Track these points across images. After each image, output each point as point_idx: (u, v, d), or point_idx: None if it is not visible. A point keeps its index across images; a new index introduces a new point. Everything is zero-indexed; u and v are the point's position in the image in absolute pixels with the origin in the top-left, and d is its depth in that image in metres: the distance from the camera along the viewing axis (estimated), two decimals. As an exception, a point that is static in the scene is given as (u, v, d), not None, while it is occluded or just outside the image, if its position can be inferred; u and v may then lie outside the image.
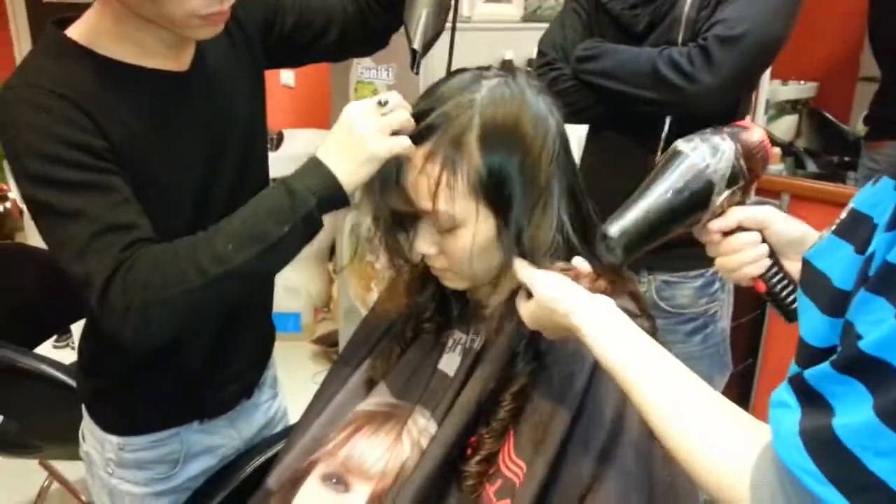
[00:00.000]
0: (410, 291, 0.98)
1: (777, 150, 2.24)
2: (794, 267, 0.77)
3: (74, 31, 0.90)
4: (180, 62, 0.95)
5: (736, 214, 0.76)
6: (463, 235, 0.82)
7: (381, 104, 0.83)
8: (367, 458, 0.91)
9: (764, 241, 0.78)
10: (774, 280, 0.76)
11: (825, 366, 0.48)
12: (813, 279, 0.55)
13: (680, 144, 0.75)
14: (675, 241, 0.79)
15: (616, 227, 0.72)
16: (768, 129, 2.45)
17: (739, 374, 2.18)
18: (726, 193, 0.74)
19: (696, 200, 0.73)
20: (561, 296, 0.73)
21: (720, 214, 0.76)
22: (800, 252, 0.70)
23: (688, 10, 1.29)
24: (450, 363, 0.92)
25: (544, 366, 0.85)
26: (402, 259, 0.92)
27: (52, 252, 0.85)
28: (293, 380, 1.58)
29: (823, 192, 2.02)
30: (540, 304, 0.75)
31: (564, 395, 0.81)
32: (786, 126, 2.70)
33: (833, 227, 0.56)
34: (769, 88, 2.41)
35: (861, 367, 0.46)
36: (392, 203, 0.85)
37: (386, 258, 0.93)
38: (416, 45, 0.93)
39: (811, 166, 2.50)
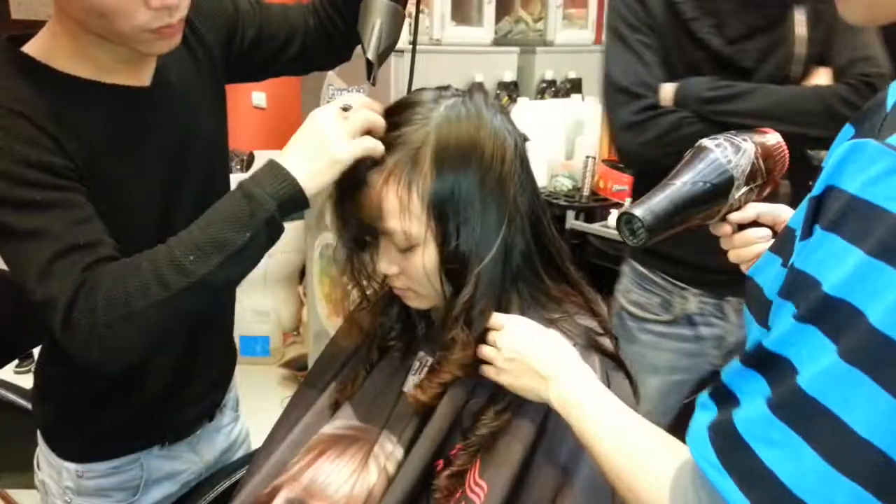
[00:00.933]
0: (375, 312, 0.97)
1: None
2: None
3: (31, 48, 0.88)
4: (140, 78, 0.94)
5: (753, 209, 0.80)
6: (420, 254, 0.82)
7: (344, 109, 0.82)
8: (332, 482, 0.90)
9: (775, 235, 0.82)
10: None
11: (735, 362, 0.52)
12: (752, 293, 0.58)
13: (705, 142, 0.79)
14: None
15: (642, 209, 0.75)
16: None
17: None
18: (744, 189, 0.78)
19: (717, 193, 0.77)
20: (535, 357, 0.78)
21: (738, 209, 0.80)
22: None
23: (798, 48, 1.30)
24: (414, 385, 0.91)
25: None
26: (367, 279, 0.91)
27: (14, 275, 0.83)
28: (261, 404, 1.56)
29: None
30: (507, 357, 0.79)
31: (526, 411, 0.81)
32: (751, 151, 2.76)
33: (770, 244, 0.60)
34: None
35: (761, 361, 0.49)
36: (352, 222, 0.85)
37: (350, 278, 0.92)
38: (370, 55, 0.94)
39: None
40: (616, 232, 1.95)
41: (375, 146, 0.81)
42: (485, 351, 0.82)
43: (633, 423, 0.67)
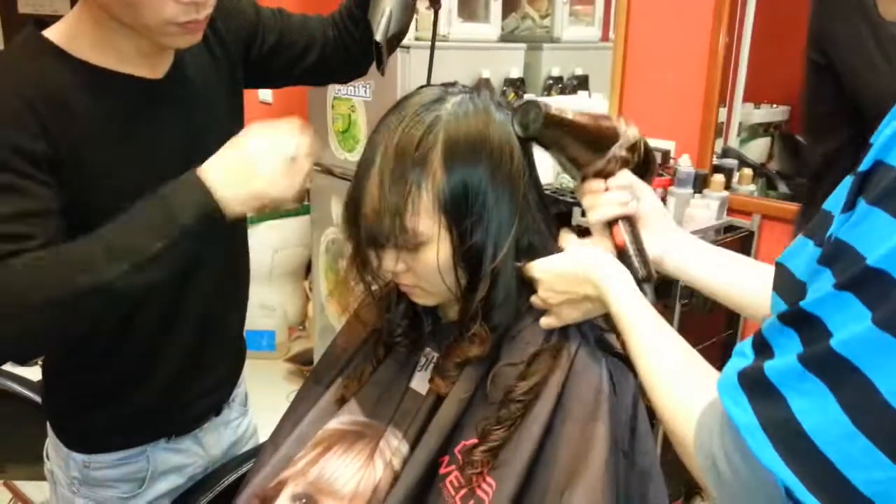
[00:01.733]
0: (382, 308, 0.97)
1: (749, 171, 2.27)
2: (650, 237, 0.86)
3: (53, 32, 0.89)
4: (155, 70, 0.95)
5: (627, 175, 0.86)
6: (429, 252, 0.82)
7: (292, 161, 0.87)
8: (339, 477, 0.90)
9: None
10: (631, 235, 0.84)
11: (773, 317, 0.53)
12: (783, 280, 0.60)
13: (602, 113, 0.89)
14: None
15: (552, 107, 0.82)
16: (741, 151, 2.49)
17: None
18: (622, 152, 0.85)
19: (602, 138, 0.85)
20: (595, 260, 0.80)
21: (608, 172, 0.85)
22: (659, 223, 0.87)
23: None
24: (421, 382, 0.92)
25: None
26: (373, 276, 0.91)
27: None
28: (266, 399, 1.57)
29: (794, 213, 2.05)
30: (572, 262, 0.82)
31: (533, 406, 0.81)
32: (758, 148, 2.75)
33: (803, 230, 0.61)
34: (741, 111, 2.45)
35: (797, 319, 0.51)
36: (359, 221, 0.85)
37: (358, 276, 0.92)
38: (379, 37, 0.94)
39: (783, 188, 2.54)
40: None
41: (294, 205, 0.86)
42: (536, 301, 0.85)
43: (674, 349, 0.69)
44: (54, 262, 0.79)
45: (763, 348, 0.54)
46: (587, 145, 0.84)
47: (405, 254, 0.83)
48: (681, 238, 0.88)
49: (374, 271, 0.89)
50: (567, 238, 0.86)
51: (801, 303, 0.50)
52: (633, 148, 0.85)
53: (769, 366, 0.51)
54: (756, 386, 0.51)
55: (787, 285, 0.58)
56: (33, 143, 0.82)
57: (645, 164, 0.88)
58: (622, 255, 0.83)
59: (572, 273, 0.81)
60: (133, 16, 0.84)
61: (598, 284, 0.78)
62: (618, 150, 0.84)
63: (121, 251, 0.80)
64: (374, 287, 0.93)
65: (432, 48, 1.04)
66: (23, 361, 0.83)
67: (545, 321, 0.85)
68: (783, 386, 0.49)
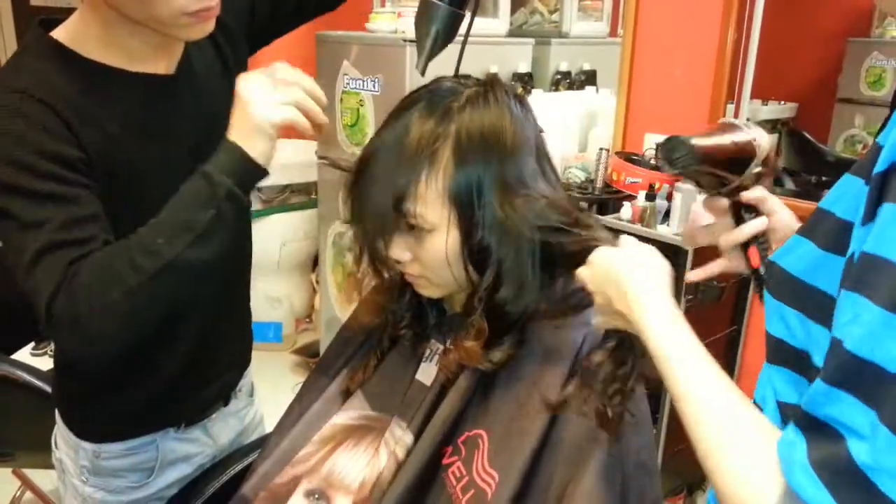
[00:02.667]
0: (387, 300, 0.98)
1: (757, 168, 2.27)
2: None
3: (60, 33, 0.89)
4: (167, 66, 0.95)
5: (762, 190, 0.83)
6: (436, 241, 0.82)
7: (274, 84, 0.85)
8: (349, 472, 0.91)
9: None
10: (764, 251, 0.82)
11: (817, 384, 0.45)
12: (776, 278, 0.57)
13: (734, 121, 0.84)
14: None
15: (696, 141, 0.80)
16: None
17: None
18: (758, 169, 0.82)
19: (742, 159, 0.81)
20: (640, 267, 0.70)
21: (745, 188, 0.83)
22: (780, 241, 0.77)
23: None
24: (427, 373, 0.93)
25: (515, 370, 0.85)
26: (381, 265, 0.91)
27: (8, 258, 0.84)
28: (273, 390, 1.58)
29: (801, 209, 2.04)
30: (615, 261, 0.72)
31: (536, 398, 0.81)
32: (766, 145, 2.75)
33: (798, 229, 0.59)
34: (749, 108, 2.45)
35: (849, 375, 0.43)
36: (367, 207, 0.85)
37: (367, 264, 0.92)
38: (420, 66, 0.88)
39: (790, 185, 2.53)
40: (629, 225, 1.95)
41: (297, 119, 0.84)
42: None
43: (733, 402, 0.56)
44: (120, 254, 0.81)
45: (820, 429, 0.45)
46: (728, 166, 0.81)
47: (412, 242, 0.84)
48: None
49: (383, 260, 0.88)
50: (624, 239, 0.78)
51: (847, 347, 0.42)
52: (766, 160, 0.83)
53: (855, 450, 0.42)
54: (840, 475, 0.43)
55: (784, 285, 0.55)
56: (65, 148, 0.83)
57: (770, 174, 0.86)
58: (757, 276, 0.81)
59: (609, 270, 0.71)
60: (145, 10, 0.83)
61: (630, 300, 0.66)
62: (755, 167, 0.82)
63: (178, 228, 0.82)
64: (384, 275, 0.94)
65: (463, 45, 0.96)
66: (114, 362, 0.86)
67: (595, 322, 0.78)
68: (873, 472, 0.41)
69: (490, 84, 0.85)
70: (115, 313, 0.81)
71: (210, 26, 0.89)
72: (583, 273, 0.75)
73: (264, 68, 0.87)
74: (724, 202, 0.84)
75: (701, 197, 0.88)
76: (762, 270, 0.80)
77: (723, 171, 0.81)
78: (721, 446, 0.53)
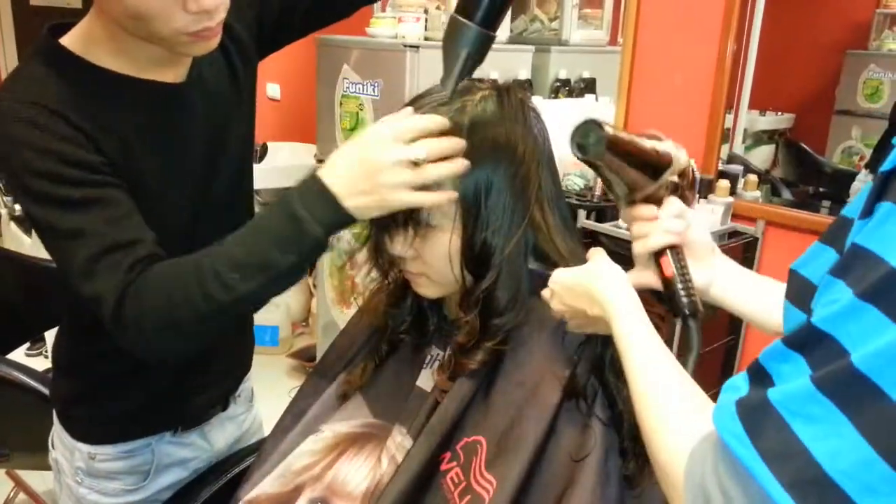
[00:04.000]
0: (388, 303, 0.98)
1: (754, 177, 2.28)
2: (694, 268, 0.79)
3: (69, 40, 0.89)
4: (176, 74, 0.94)
5: (677, 203, 0.80)
6: (439, 239, 0.83)
7: (415, 163, 0.77)
8: (351, 479, 0.91)
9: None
10: (679, 266, 0.78)
11: (775, 343, 0.49)
12: (797, 287, 0.57)
13: (657, 133, 0.81)
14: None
15: (610, 130, 0.76)
16: (746, 158, 2.50)
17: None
18: (673, 178, 0.79)
19: (659, 164, 0.78)
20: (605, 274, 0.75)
21: (657, 198, 0.80)
22: (705, 256, 0.80)
23: None
24: (427, 379, 0.93)
25: (514, 375, 0.85)
26: (386, 262, 0.91)
27: (60, 271, 0.86)
28: (269, 394, 1.57)
29: (798, 219, 2.06)
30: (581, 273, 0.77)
31: (535, 405, 0.81)
32: (763, 155, 2.75)
33: (819, 237, 0.58)
34: (747, 118, 2.46)
35: (806, 341, 0.46)
36: None
37: (369, 262, 0.93)
38: (448, 90, 0.82)
39: (787, 195, 2.55)
40: (627, 232, 1.94)
41: (434, 200, 0.79)
42: (555, 313, 0.80)
43: (670, 376, 0.63)
44: (192, 277, 0.81)
45: (760, 378, 0.50)
46: (642, 170, 0.78)
47: (416, 238, 0.84)
48: (725, 266, 0.82)
49: (387, 258, 0.89)
50: (595, 254, 0.80)
51: (812, 320, 0.46)
52: (683, 173, 0.81)
53: (773, 392, 0.46)
54: (757, 414, 0.47)
55: (802, 292, 0.55)
56: (86, 154, 0.83)
57: (689, 189, 0.83)
58: (668, 287, 0.78)
59: (578, 285, 0.76)
60: (144, 28, 0.82)
61: (601, 301, 0.73)
62: (670, 176, 0.79)
63: (255, 266, 0.81)
64: (389, 276, 0.94)
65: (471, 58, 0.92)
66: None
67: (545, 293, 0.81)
68: (789, 413, 0.45)
69: (506, 88, 0.86)
70: (180, 331, 0.84)
71: (214, 43, 0.88)
72: (546, 295, 0.80)
73: (393, 119, 0.81)
74: (651, 215, 0.79)
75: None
76: (678, 284, 0.76)
77: (636, 173, 0.78)
78: (660, 415, 0.60)
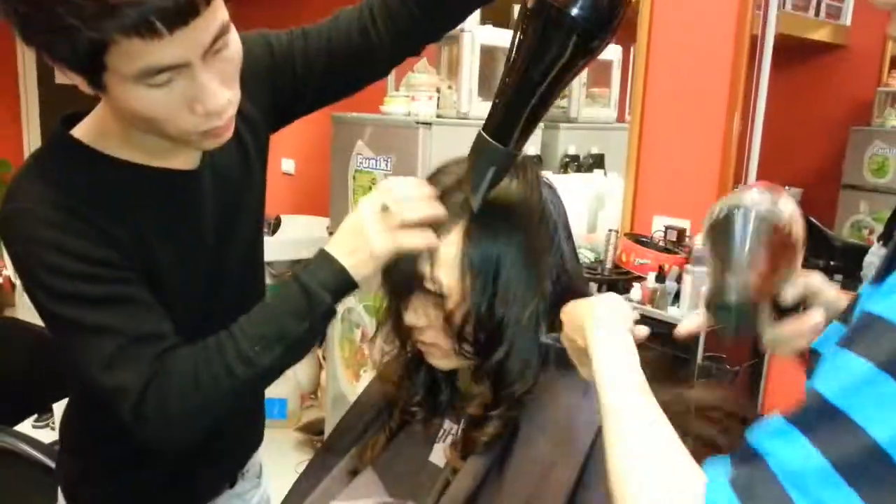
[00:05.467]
0: (402, 374, 0.97)
1: (765, 251, 2.28)
2: None
3: (81, 132, 0.89)
4: (187, 161, 0.94)
5: (801, 280, 0.73)
6: (451, 308, 0.84)
7: (383, 209, 0.84)
8: None
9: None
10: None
11: (772, 420, 0.46)
12: (817, 366, 0.55)
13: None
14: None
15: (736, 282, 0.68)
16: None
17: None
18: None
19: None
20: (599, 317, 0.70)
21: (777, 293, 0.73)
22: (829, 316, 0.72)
23: None
24: (440, 454, 0.91)
25: (528, 450, 0.83)
26: (405, 332, 0.92)
27: (72, 361, 0.86)
28: (276, 468, 1.55)
29: (810, 294, 2.05)
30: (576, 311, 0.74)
31: (550, 484, 0.80)
32: (772, 229, 2.77)
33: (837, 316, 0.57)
34: (756, 192, 2.49)
35: (813, 416, 0.44)
36: (394, 270, 0.87)
37: (383, 334, 0.95)
38: (475, 206, 0.83)
39: (798, 269, 2.55)
40: (639, 303, 1.91)
41: (413, 242, 0.84)
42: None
43: (656, 433, 0.57)
44: (214, 357, 0.85)
45: (747, 458, 0.46)
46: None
47: (428, 307, 0.85)
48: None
49: (406, 328, 0.90)
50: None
51: (824, 394, 0.43)
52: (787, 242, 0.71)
53: (774, 462, 0.43)
54: (755, 483, 0.44)
55: None
56: (103, 250, 0.84)
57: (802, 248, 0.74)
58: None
59: (573, 314, 0.73)
60: (154, 130, 0.82)
61: (586, 332, 0.69)
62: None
63: (272, 338, 0.85)
64: (407, 346, 0.94)
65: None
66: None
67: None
68: (798, 490, 0.42)
69: (522, 164, 0.88)
70: (205, 412, 0.86)
71: (226, 138, 0.86)
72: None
73: (382, 188, 0.88)
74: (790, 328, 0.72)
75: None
76: None
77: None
78: (640, 475, 0.53)
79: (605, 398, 0.61)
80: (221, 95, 0.79)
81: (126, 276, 0.86)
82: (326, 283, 0.85)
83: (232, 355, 0.84)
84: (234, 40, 0.80)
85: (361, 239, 0.85)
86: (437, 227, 0.84)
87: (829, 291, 0.76)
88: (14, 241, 0.83)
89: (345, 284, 0.86)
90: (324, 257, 0.87)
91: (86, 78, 0.77)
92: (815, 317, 0.72)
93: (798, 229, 0.71)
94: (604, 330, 0.68)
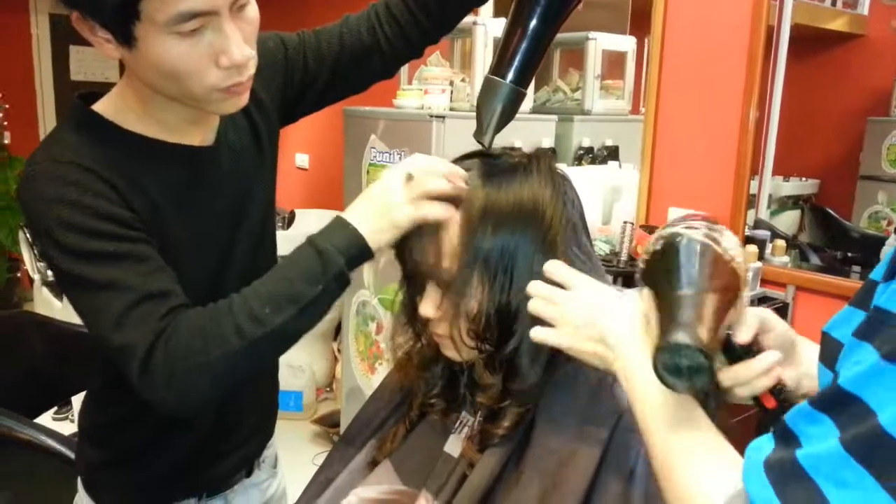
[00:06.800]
0: (420, 365, 0.97)
1: (782, 242, 2.27)
2: (787, 373, 0.71)
3: (100, 106, 0.93)
4: (203, 138, 0.98)
5: (754, 317, 0.69)
6: (465, 300, 0.84)
7: (408, 178, 0.86)
8: None
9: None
10: (781, 393, 0.68)
11: (802, 404, 0.49)
12: (829, 349, 0.57)
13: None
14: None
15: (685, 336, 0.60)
16: (772, 223, 2.49)
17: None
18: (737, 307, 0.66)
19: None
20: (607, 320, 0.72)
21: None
22: (792, 354, 0.72)
23: None
24: (455, 445, 0.92)
25: (547, 443, 0.83)
26: (420, 324, 0.92)
27: (86, 321, 0.87)
28: (292, 460, 1.56)
29: (829, 285, 2.04)
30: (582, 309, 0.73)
31: (570, 475, 0.79)
32: (788, 220, 2.74)
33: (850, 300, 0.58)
34: (771, 184, 2.47)
35: (833, 402, 0.47)
36: (409, 262, 0.88)
37: (398, 326, 0.95)
38: (486, 141, 0.89)
39: (815, 260, 2.52)
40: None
41: (436, 213, 0.84)
42: (545, 312, 0.76)
43: (694, 430, 0.61)
44: (223, 315, 0.85)
45: (787, 439, 0.50)
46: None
47: (441, 299, 0.86)
48: (809, 355, 0.73)
49: (422, 320, 0.90)
50: (562, 271, 0.78)
51: (839, 381, 0.46)
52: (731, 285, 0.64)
53: (802, 454, 0.47)
54: (787, 476, 0.47)
55: (833, 354, 0.55)
56: (119, 209, 0.86)
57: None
58: (770, 413, 0.67)
59: (589, 326, 0.73)
60: (177, 88, 0.86)
61: (614, 351, 0.70)
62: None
63: (284, 299, 0.85)
64: (422, 337, 0.95)
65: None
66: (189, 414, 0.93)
67: (540, 334, 0.77)
68: (819, 475, 0.45)
69: (536, 157, 0.88)
70: (212, 373, 0.85)
71: (243, 101, 0.91)
72: (543, 331, 0.76)
73: (405, 160, 0.90)
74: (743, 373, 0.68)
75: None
76: (781, 408, 0.67)
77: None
78: (686, 471, 0.58)
79: (658, 419, 0.63)
80: (245, 49, 0.84)
81: (140, 235, 0.87)
82: (340, 246, 0.85)
83: (242, 315, 0.84)
84: (254, 4, 0.87)
85: (383, 206, 0.86)
86: (452, 220, 0.83)
87: (778, 325, 0.73)
88: (31, 200, 0.86)
89: (359, 251, 0.86)
90: (341, 222, 0.87)
91: (116, 31, 0.81)
92: (772, 356, 0.67)
93: (740, 260, 0.65)
94: (631, 347, 0.69)
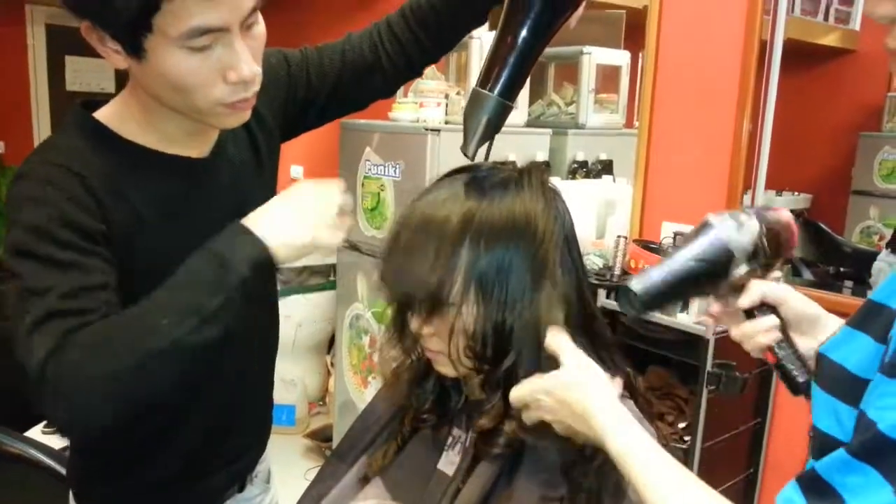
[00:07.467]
0: (411, 380, 0.97)
1: (774, 257, 2.28)
2: (804, 343, 0.80)
3: (102, 114, 0.93)
4: (200, 150, 0.98)
5: (758, 290, 0.79)
6: (456, 317, 0.83)
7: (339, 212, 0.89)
8: None
9: (778, 315, 0.81)
10: (783, 353, 0.79)
11: (838, 453, 0.46)
12: (828, 371, 0.57)
13: (710, 217, 0.80)
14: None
15: (640, 285, 0.77)
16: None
17: (746, 479, 2.13)
18: (745, 268, 0.78)
19: (716, 270, 0.77)
20: (588, 383, 0.76)
21: (741, 287, 0.79)
22: (812, 328, 0.78)
23: None
24: (449, 462, 0.91)
25: (540, 458, 0.83)
26: (407, 339, 0.92)
27: (12, 321, 0.82)
28: (284, 475, 1.55)
29: (821, 300, 2.03)
30: (563, 381, 0.76)
31: (564, 493, 0.80)
32: (782, 235, 2.76)
33: (847, 321, 0.58)
34: (764, 198, 2.48)
35: (877, 452, 0.44)
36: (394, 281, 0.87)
37: (390, 341, 0.94)
38: (469, 152, 0.90)
39: (807, 275, 2.53)
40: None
41: (341, 237, 0.89)
42: (525, 391, 0.79)
43: (696, 491, 0.62)
44: (119, 328, 0.80)
45: (821, 492, 0.47)
46: (702, 283, 0.79)
47: (434, 317, 0.85)
48: (834, 327, 0.78)
49: (412, 336, 0.90)
50: (560, 342, 0.79)
51: (880, 427, 0.44)
52: (755, 252, 0.78)
53: (855, 500, 0.43)
54: None
55: (837, 380, 0.54)
56: (87, 218, 0.84)
57: (777, 247, 0.81)
58: (779, 367, 0.80)
59: (567, 397, 0.75)
60: (183, 100, 0.86)
61: (594, 426, 0.72)
62: (738, 270, 0.78)
63: (184, 310, 0.80)
64: (412, 354, 0.94)
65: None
66: (105, 432, 0.86)
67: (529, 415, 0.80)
68: None
69: (527, 171, 0.87)
70: (107, 388, 0.79)
71: (246, 115, 0.92)
72: (523, 405, 0.79)
73: (327, 189, 0.92)
74: (738, 317, 0.82)
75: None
76: (787, 365, 0.78)
77: (700, 290, 0.81)
78: None
79: (645, 478, 0.66)
80: (253, 65, 0.85)
81: (97, 250, 0.84)
82: (246, 256, 0.83)
83: (137, 326, 0.80)
84: (261, 21, 0.88)
85: (304, 229, 0.86)
86: (443, 236, 0.82)
87: (793, 300, 0.81)
88: (10, 196, 0.85)
89: (265, 261, 0.84)
90: (244, 230, 0.84)
91: (127, 43, 0.81)
92: (770, 320, 0.80)
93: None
94: (609, 415, 0.72)
